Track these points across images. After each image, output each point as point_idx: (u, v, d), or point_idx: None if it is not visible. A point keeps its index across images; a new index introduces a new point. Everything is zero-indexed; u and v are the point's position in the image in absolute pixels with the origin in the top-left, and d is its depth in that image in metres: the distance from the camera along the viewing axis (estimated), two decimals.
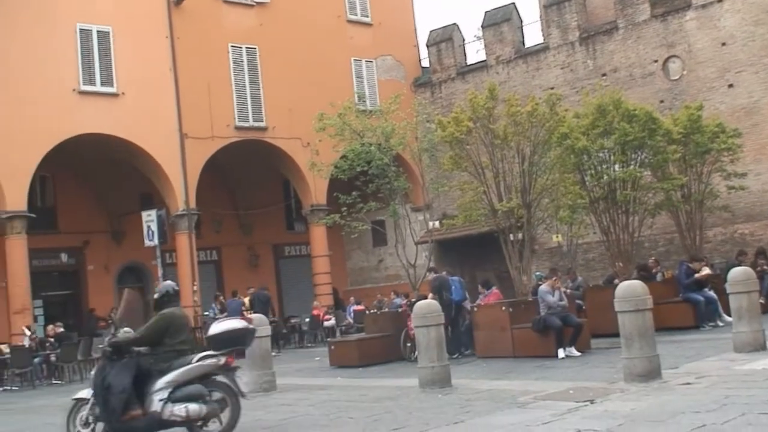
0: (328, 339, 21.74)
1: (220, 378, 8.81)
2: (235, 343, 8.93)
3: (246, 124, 28.29)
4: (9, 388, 19.57)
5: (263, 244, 33.46)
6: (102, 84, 25.07)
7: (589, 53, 28.20)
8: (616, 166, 20.27)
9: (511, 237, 20.00)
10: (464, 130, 20.09)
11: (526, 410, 8.97)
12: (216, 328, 9.09)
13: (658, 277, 19.62)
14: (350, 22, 31.76)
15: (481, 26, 31.71)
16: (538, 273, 19.80)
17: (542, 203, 20.45)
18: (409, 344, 16.34)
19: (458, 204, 23.18)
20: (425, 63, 33.60)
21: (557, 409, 8.74)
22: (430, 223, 25.08)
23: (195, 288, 26.47)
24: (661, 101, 25.93)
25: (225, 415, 8.63)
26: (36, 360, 20.28)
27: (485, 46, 31.43)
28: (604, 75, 27.35)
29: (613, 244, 20.72)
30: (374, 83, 31.50)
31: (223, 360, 8.69)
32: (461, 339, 16.77)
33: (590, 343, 15.26)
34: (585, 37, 28.31)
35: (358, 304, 26.62)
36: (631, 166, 20.06)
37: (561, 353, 14.40)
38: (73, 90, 24.47)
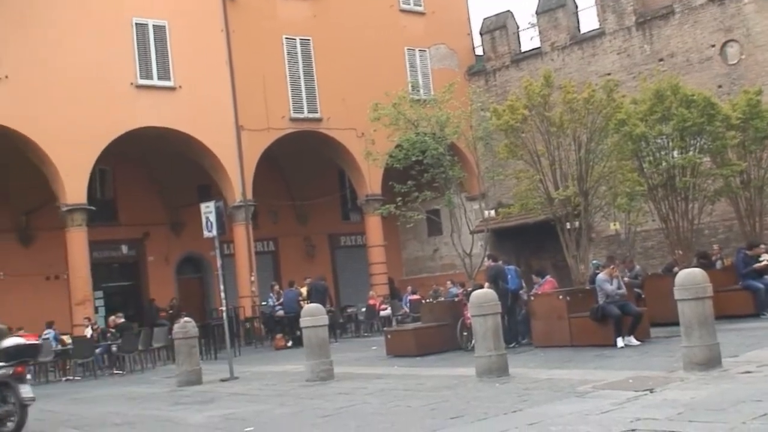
0: (385, 328, 21.81)
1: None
2: (24, 355, 10.22)
3: (301, 116, 28.46)
4: (71, 378, 19.96)
5: (319, 235, 33.69)
6: (159, 78, 25.41)
7: (645, 38, 27.75)
8: (675, 153, 19.96)
9: (568, 225, 19.87)
10: (519, 117, 19.98)
11: (585, 399, 8.91)
12: (7, 343, 10.15)
13: (718, 264, 19.29)
14: (403, 11, 31.72)
15: (536, 12, 31.44)
16: (595, 261, 19.60)
17: (599, 191, 20.27)
18: (465, 333, 16.33)
19: (514, 192, 23.10)
20: (479, 51, 33.41)
21: (616, 398, 8.67)
22: (486, 212, 24.96)
23: (252, 278, 26.80)
24: (719, 86, 25.41)
25: (13, 419, 9.63)
26: (97, 350, 20.68)
27: (540, 32, 31.15)
28: (661, 60, 26.91)
29: (672, 232, 20.44)
30: (428, 72, 31.43)
31: (11, 370, 9.77)
32: (518, 328, 16.70)
33: (649, 332, 15.08)
34: (641, 22, 27.86)
35: (414, 293, 26.65)
36: (690, 153, 19.76)
37: (620, 342, 14.25)
38: (131, 84, 24.85)
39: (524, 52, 31.80)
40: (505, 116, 20.13)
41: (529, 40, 34.46)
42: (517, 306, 16.88)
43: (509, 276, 16.96)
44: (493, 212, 27.63)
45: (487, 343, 11.44)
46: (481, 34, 32.90)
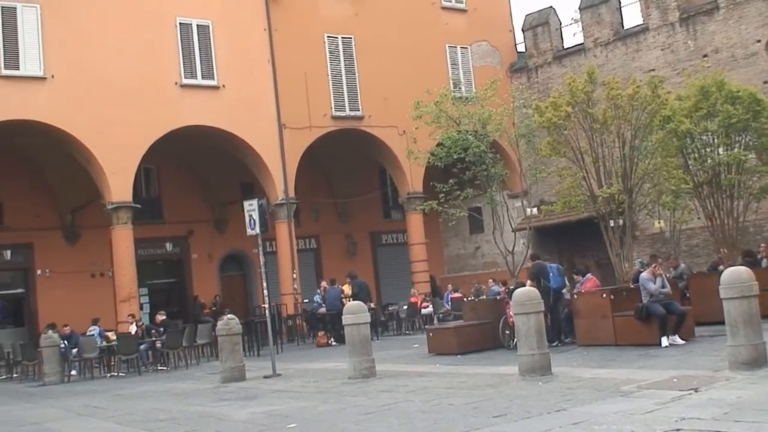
0: (426, 326, 21.81)
1: None
2: None
3: (342, 114, 28.55)
4: (116, 374, 20.20)
5: (360, 232, 33.76)
6: (203, 77, 25.63)
7: (689, 34, 27.40)
8: (720, 150, 19.72)
9: (612, 223, 19.71)
10: (562, 114, 19.86)
11: (630, 399, 8.84)
12: None
13: (764, 262, 19.00)
14: (444, 8, 31.67)
15: (579, 8, 31.17)
16: (639, 260, 19.40)
17: (644, 188, 20.09)
18: (508, 332, 16.27)
19: (556, 190, 22.93)
20: (521, 48, 33.24)
21: (661, 397, 8.59)
22: (528, 210, 24.86)
23: (294, 276, 26.94)
24: (765, 82, 25.01)
25: None
26: (142, 347, 20.94)
27: (583, 28, 30.90)
28: (705, 56, 26.53)
29: (717, 230, 20.18)
30: (469, 69, 31.34)
31: None
32: (561, 326, 16.59)
33: (694, 331, 14.90)
34: (685, 18, 27.51)
35: (455, 291, 26.60)
36: (736, 150, 19.50)
37: (664, 341, 14.11)
38: (175, 83, 25.10)
39: (567, 49, 31.57)
40: (548, 113, 20.02)
41: (572, 36, 34.16)
42: (560, 304, 16.78)
43: (551, 274, 16.87)
44: (535, 210, 27.50)
45: (530, 341, 11.39)
46: (523, 30, 32.73)
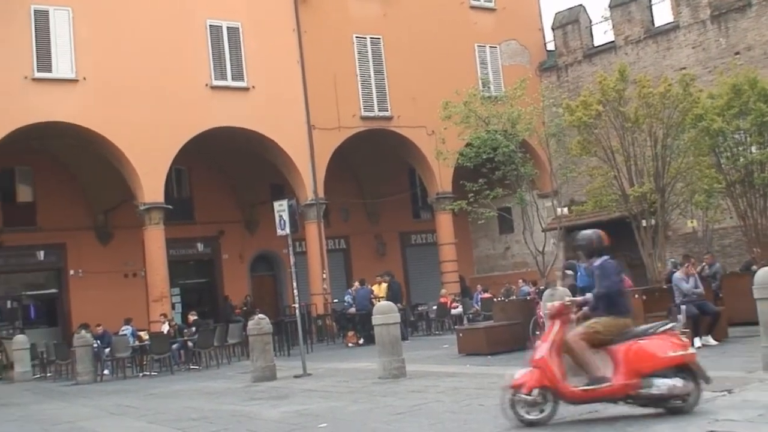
0: (456, 326, 21.77)
1: None
2: None
3: (371, 114, 28.59)
4: (148, 373, 20.38)
5: (390, 233, 33.78)
6: (233, 78, 25.78)
7: (721, 31, 27.12)
8: (753, 148, 19.50)
9: (644, 223, 19.56)
10: (593, 113, 19.74)
11: None
12: None
13: None
14: (473, 8, 31.61)
15: (609, 6, 30.93)
16: (672, 260, 19.22)
17: (676, 187, 19.92)
18: (538, 332, 16.16)
19: (587, 190, 22.79)
20: (551, 46, 33.08)
21: None
22: (558, 210, 24.68)
23: (324, 276, 27.01)
24: None
25: None
26: (174, 346, 21.09)
27: (613, 26, 30.68)
28: (737, 54, 26.23)
29: (751, 229, 19.95)
30: (498, 69, 31.25)
31: None
32: None
33: (727, 332, 14.75)
34: (716, 15, 27.23)
35: (485, 291, 26.53)
36: None
37: (697, 342, 13.96)
38: (206, 85, 25.27)
39: (597, 47, 31.37)
40: (578, 112, 19.91)
41: (602, 34, 34.00)
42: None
43: (579, 273, 16.66)
44: (565, 210, 27.31)
45: None
46: (552, 29, 32.57)
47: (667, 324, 8.02)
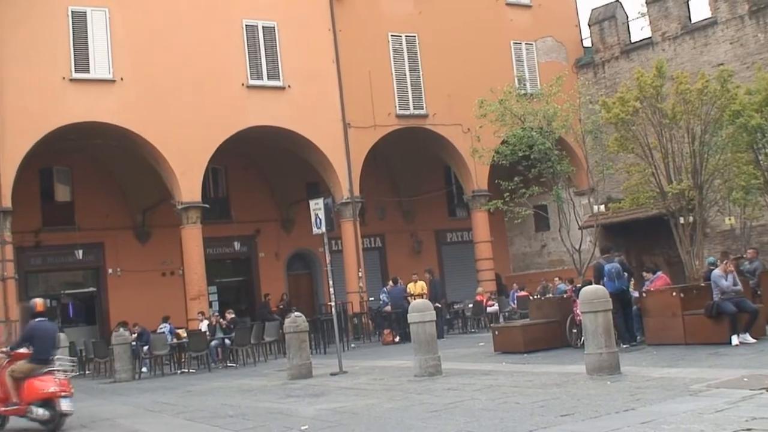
0: (492, 324, 21.71)
1: None
2: None
3: (407, 112, 28.57)
4: (186, 370, 20.55)
5: (426, 231, 33.75)
6: (269, 78, 25.90)
7: (759, 26, 26.71)
8: None
9: (682, 220, 19.35)
10: (630, 110, 19.57)
11: (699, 398, 8.67)
12: None
13: None
14: (509, 4, 31.44)
15: (646, 2, 30.65)
16: (711, 258, 18.98)
17: (714, 184, 19.69)
18: (575, 330, 16.09)
19: (624, 187, 22.61)
20: (587, 43, 32.82)
21: (731, 397, 8.41)
22: (595, 207, 24.48)
23: (360, 274, 27.05)
24: None
25: None
26: (213, 343, 21.24)
27: (650, 22, 30.37)
28: None
29: None
30: (534, 66, 31.07)
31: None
32: (631, 328, 16.11)
33: (766, 330, 14.56)
34: (755, 10, 26.83)
35: (521, 289, 26.42)
36: None
37: (735, 340, 13.81)
38: (242, 84, 25.40)
39: (634, 43, 31.06)
40: (616, 109, 19.75)
41: (639, 31, 33.60)
42: (625, 307, 16.08)
43: (604, 278, 16.03)
44: (602, 207, 27.09)
45: (598, 340, 11.25)
46: (589, 25, 32.30)
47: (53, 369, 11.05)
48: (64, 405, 10.73)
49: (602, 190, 28.62)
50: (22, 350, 11.26)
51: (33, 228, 26.59)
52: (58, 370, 11.11)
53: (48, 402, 10.74)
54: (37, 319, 11.46)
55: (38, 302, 11.87)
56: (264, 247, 31.05)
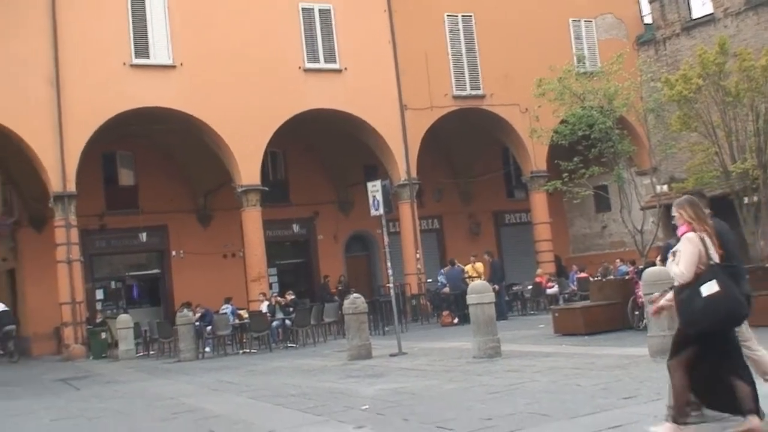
0: (551, 306, 21.57)
1: None
2: None
3: (463, 93, 28.42)
4: (248, 351, 20.80)
5: (483, 212, 33.62)
6: (325, 61, 25.99)
7: None
8: None
9: (746, 200, 18.96)
10: (693, 87, 19.20)
11: None
12: None
13: None
14: None
15: None
16: None
17: None
18: (637, 312, 15.90)
19: (687, 166, 22.22)
20: (648, 19, 32.20)
21: None
22: (657, 187, 24.10)
23: (418, 256, 27.08)
24: None
25: None
26: (274, 324, 21.49)
27: None
28: None
29: None
30: (594, 44, 30.61)
31: None
32: None
33: None
34: None
35: (581, 271, 26.18)
36: None
37: None
38: (299, 68, 25.53)
39: (696, 19, 30.38)
40: (678, 86, 19.39)
41: (701, 6, 32.87)
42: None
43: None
44: (665, 187, 26.64)
45: (661, 322, 11.09)
46: (650, 1, 31.67)
47: None
48: None
49: (665, 169, 28.21)
50: None
51: (97, 212, 27.15)
52: None
53: None
54: None
55: None
56: (322, 230, 31.26)
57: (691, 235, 6.36)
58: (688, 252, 6.30)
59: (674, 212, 6.64)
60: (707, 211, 6.74)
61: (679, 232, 6.56)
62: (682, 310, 6.39)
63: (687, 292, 6.32)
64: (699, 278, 6.24)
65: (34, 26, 22.45)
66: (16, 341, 24.63)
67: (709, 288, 6.19)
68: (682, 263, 6.34)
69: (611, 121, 20.65)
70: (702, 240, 6.30)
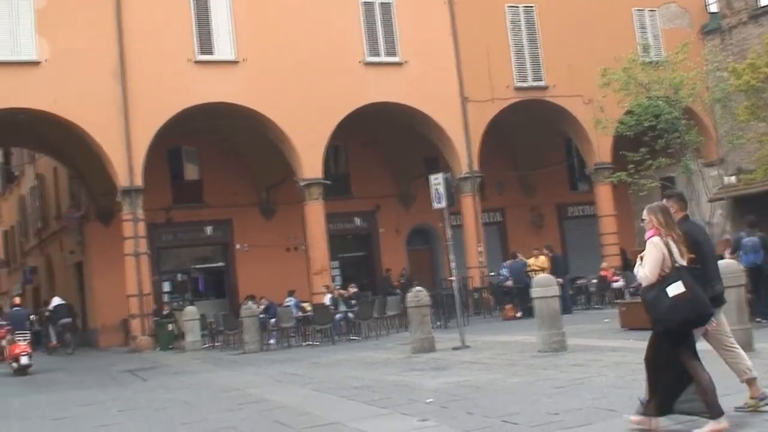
0: (617, 300, 21.27)
1: None
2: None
3: (525, 84, 28.18)
4: (311, 343, 20.95)
5: (546, 205, 33.33)
6: (386, 54, 26.00)
7: None
8: None
9: None
10: (762, 77, 18.81)
11: None
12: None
13: None
14: None
15: None
16: None
17: None
18: None
19: (756, 157, 21.75)
20: (713, 8, 31.51)
21: None
22: (725, 179, 23.65)
23: (480, 249, 26.96)
24: None
25: None
26: (337, 317, 21.61)
27: None
28: None
29: None
30: (658, 33, 30.06)
31: None
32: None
33: None
34: None
35: None
36: None
37: None
38: (360, 62, 25.59)
39: (763, 7, 29.58)
40: (746, 76, 19.03)
41: None
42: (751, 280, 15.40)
43: (741, 251, 15.46)
44: (733, 178, 26.12)
45: (730, 316, 10.88)
46: None
47: None
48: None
49: (732, 160, 27.62)
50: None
51: (164, 206, 27.64)
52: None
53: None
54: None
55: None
56: (384, 223, 31.33)
57: (656, 239, 6.71)
58: (653, 256, 6.63)
59: (644, 216, 7.00)
60: (683, 213, 7.39)
61: (646, 235, 6.91)
62: (651, 309, 6.72)
63: (654, 292, 6.64)
64: (665, 279, 6.56)
65: (100, 23, 22.86)
66: (72, 334, 25.26)
67: (676, 288, 6.52)
68: (646, 266, 6.66)
69: (678, 112, 20.31)
70: (666, 244, 6.62)
